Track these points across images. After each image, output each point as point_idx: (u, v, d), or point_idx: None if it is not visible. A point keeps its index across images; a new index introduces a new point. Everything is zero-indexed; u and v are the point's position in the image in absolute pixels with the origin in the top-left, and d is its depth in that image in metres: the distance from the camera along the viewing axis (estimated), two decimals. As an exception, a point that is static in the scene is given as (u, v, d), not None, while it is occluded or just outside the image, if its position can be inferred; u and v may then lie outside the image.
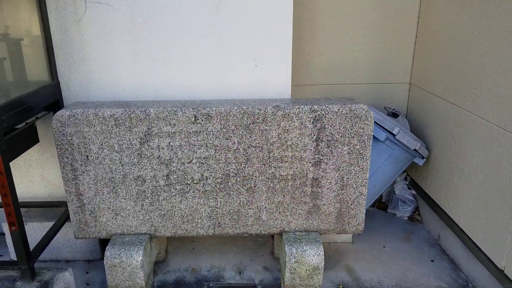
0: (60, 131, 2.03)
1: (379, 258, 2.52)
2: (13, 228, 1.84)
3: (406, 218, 2.96)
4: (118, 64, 2.29)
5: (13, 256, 2.50)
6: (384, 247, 2.63)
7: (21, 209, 2.53)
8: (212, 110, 2.01)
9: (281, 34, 2.23)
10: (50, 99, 2.18)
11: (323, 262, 2.11)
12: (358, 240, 2.70)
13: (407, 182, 3.06)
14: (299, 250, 2.11)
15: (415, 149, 2.54)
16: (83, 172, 2.11)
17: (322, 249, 2.12)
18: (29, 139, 2.12)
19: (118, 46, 2.26)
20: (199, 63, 2.28)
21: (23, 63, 2.16)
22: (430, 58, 2.72)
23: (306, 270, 2.12)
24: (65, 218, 2.36)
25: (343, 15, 2.91)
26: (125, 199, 2.17)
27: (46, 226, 2.43)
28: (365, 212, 2.23)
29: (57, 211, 2.55)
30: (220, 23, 2.22)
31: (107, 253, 2.12)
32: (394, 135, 2.49)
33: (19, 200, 2.61)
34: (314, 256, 2.11)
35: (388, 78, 3.04)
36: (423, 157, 2.62)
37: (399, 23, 2.94)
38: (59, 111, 2.01)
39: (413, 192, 3.01)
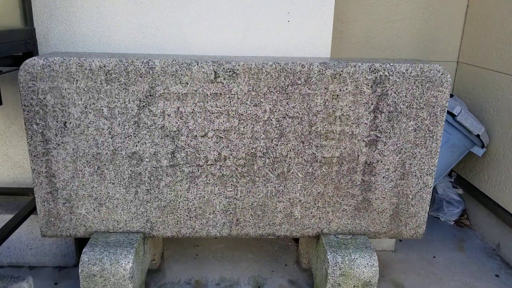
0: (30, 87, 1.48)
1: (431, 272, 2.00)
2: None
3: (453, 223, 2.46)
4: (114, 14, 1.76)
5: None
6: (434, 257, 2.12)
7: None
8: (239, 66, 1.49)
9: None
10: (21, 48, 1.63)
11: (378, 275, 1.59)
12: (401, 248, 2.19)
13: (452, 180, 2.56)
14: (347, 259, 1.58)
15: (477, 135, 2.05)
16: (58, 145, 1.55)
17: (376, 258, 1.60)
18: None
19: (114, -12, 1.73)
20: (218, 15, 1.77)
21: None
22: (486, 30, 2.26)
23: (354, 286, 1.59)
24: (31, 209, 1.78)
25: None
26: (113, 183, 1.62)
27: (4, 219, 1.84)
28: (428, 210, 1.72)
29: (22, 201, 1.96)
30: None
31: (84, 257, 1.55)
32: (454, 116, 2.00)
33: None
34: (366, 267, 1.58)
35: (433, 56, 2.57)
36: (483, 146, 2.14)
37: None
38: (30, 59, 1.46)
39: (460, 191, 2.52)
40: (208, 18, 1.77)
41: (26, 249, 1.97)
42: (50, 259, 1.98)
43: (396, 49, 2.55)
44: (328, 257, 1.59)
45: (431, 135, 1.59)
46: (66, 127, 1.54)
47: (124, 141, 1.57)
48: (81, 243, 1.99)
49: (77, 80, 1.49)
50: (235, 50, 1.83)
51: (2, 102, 1.69)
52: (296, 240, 2.11)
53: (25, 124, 1.54)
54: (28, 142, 1.56)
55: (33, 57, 1.47)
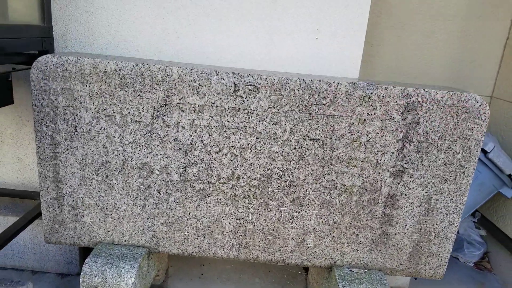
0: (41, 86, 1.42)
1: (451, 316, 1.85)
2: None
3: (472, 264, 2.31)
4: (135, 17, 1.71)
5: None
6: (454, 300, 1.97)
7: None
8: (261, 79, 1.40)
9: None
10: (36, 46, 1.58)
11: (393, 316, 1.46)
12: (416, 286, 2.04)
13: (475, 220, 2.41)
14: (361, 295, 1.46)
15: (509, 175, 1.91)
16: (67, 149, 1.49)
17: (393, 297, 1.47)
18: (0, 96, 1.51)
19: (138, -8, 1.68)
20: (243, 25, 1.69)
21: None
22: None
23: (367, 325, 1.47)
24: (37, 213, 1.72)
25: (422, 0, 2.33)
26: (121, 194, 1.54)
27: (10, 221, 1.79)
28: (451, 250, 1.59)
29: (29, 204, 1.92)
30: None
31: (86, 267, 1.47)
32: (485, 153, 1.86)
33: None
34: (381, 306, 1.46)
35: (465, 88, 2.43)
36: (514, 187, 1.99)
37: (487, 23, 2.35)
38: (43, 56, 1.41)
39: (482, 232, 2.37)
40: (232, 28, 1.70)
41: (29, 253, 1.91)
42: (53, 265, 1.92)
43: (426, 77, 2.42)
44: (341, 292, 1.47)
45: (462, 170, 1.47)
46: (76, 131, 1.48)
47: (135, 151, 1.49)
48: (85, 252, 1.92)
49: (90, 83, 1.43)
50: (258, 62, 1.75)
51: (14, 101, 1.65)
52: (306, 269, 2.00)
53: (34, 125, 1.48)
54: (36, 144, 1.50)
55: (47, 55, 1.41)
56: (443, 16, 2.33)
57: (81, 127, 1.47)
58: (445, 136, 1.43)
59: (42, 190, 1.55)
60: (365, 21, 1.69)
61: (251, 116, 1.44)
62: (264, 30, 1.70)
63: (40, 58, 1.40)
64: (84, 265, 1.48)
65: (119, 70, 1.41)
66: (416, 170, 1.47)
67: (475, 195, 1.99)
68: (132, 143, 1.48)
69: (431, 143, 1.44)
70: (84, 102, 1.44)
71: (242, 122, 1.45)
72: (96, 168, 1.52)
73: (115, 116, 1.46)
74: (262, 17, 1.68)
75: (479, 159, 1.90)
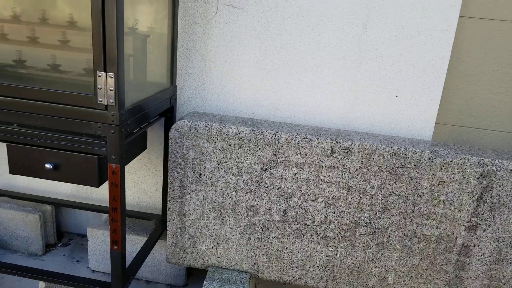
0: (177, 143, 1.80)
1: None
2: (115, 247, 1.60)
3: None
4: (239, 75, 2.05)
5: (91, 264, 2.30)
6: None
7: (108, 215, 2.34)
8: (354, 145, 1.68)
9: (435, 64, 1.89)
10: (166, 105, 1.97)
11: None
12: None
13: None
14: (434, 330, 1.71)
15: None
16: (192, 191, 1.86)
17: (464, 335, 1.70)
18: (140, 145, 1.91)
19: (244, 56, 2.01)
20: (329, 86, 1.98)
21: (146, 63, 1.97)
22: None
23: None
24: (158, 236, 2.12)
25: (494, 45, 2.48)
26: (231, 228, 1.89)
27: (132, 240, 2.21)
28: (519, 296, 1.78)
29: (145, 224, 2.33)
30: (364, 44, 1.91)
31: (204, 288, 1.84)
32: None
33: (103, 204, 2.44)
34: None
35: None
36: None
37: None
38: (180, 121, 1.78)
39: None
40: (321, 87, 1.99)
41: (145, 266, 2.32)
42: (164, 277, 2.32)
43: (494, 121, 2.56)
44: (416, 327, 1.73)
45: (532, 229, 1.66)
46: (200, 178, 1.84)
47: (245, 195, 1.83)
48: (190, 269, 2.30)
49: (215, 142, 1.78)
50: (342, 117, 2.03)
51: (147, 147, 2.05)
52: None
53: (168, 171, 1.86)
54: (168, 186, 1.88)
55: (183, 120, 1.78)
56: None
57: (204, 175, 1.83)
58: (517, 199, 1.64)
59: (169, 221, 1.94)
60: (441, 82, 1.92)
61: (344, 173, 1.73)
62: (349, 89, 1.98)
63: (178, 123, 1.77)
64: (203, 287, 1.84)
65: (239, 133, 1.75)
66: (488, 226, 1.69)
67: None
68: (243, 189, 1.82)
69: (503, 204, 1.65)
70: (209, 156, 1.80)
71: (336, 177, 1.74)
72: (213, 207, 1.88)
73: (232, 167, 1.80)
74: (348, 78, 1.96)
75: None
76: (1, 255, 2.34)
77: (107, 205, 2.41)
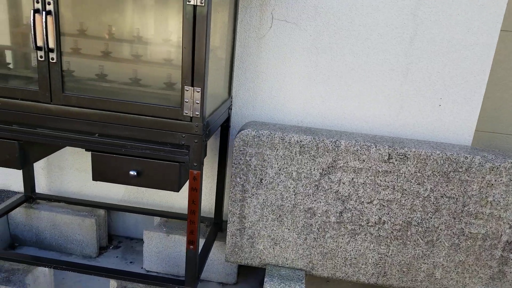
0: (241, 150, 1.93)
1: None
2: (191, 247, 1.73)
3: None
4: (289, 86, 2.19)
5: (146, 265, 2.42)
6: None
7: (161, 218, 2.46)
8: (410, 151, 1.83)
9: (477, 75, 2.04)
10: (226, 115, 2.10)
11: None
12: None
13: None
14: (483, 321, 1.86)
15: None
16: (253, 195, 1.99)
17: (510, 324, 1.86)
18: (203, 153, 2.03)
19: (295, 67, 2.15)
20: (376, 95, 2.13)
21: (214, 77, 2.11)
22: None
23: None
24: (214, 237, 2.25)
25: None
26: (288, 229, 2.02)
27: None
28: (557, 288, 1.94)
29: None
30: (411, 56, 2.06)
31: (266, 286, 1.97)
32: None
33: (158, 209, 2.56)
34: (500, 331, 1.84)
35: None
36: None
37: None
38: (244, 130, 1.91)
39: None
40: (369, 96, 2.14)
41: (197, 265, 2.44)
42: (215, 276, 2.44)
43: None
44: (466, 318, 1.88)
45: None
46: (261, 182, 1.97)
47: (303, 199, 1.97)
48: (241, 267, 2.43)
49: (277, 149, 1.91)
50: (388, 125, 2.17)
51: (207, 154, 2.18)
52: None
53: (231, 177, 1.99)
54: (230, 190, 2.01)
55: (248, 129, 1.92)
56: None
57: (265, 180, 1.97)
58: (559, 200, 1.80)
59: (229, 223, 2.07)
60: (481, 93, 2.07)
61: (400, 178, 1.87)
62: (395, 98, 2.12)
63: (243, 132, 1.91)
64: (265, 284, 1.98)
65: (300, 141, 1.89)
66: (532, 224, 1.85)
67: None
68: (302, 192, 1.96)
69: (547, 205, 1.81)
70: (270, 162, 1.94)
71: (391, 181, 1.88)
72: (272, 209, 2.01)
73: (292, 173, 1.94)
74: (394, 88, 2.11)
75: None
76: (57, 257, 2.45)
77: (159, 209, 2.53)
